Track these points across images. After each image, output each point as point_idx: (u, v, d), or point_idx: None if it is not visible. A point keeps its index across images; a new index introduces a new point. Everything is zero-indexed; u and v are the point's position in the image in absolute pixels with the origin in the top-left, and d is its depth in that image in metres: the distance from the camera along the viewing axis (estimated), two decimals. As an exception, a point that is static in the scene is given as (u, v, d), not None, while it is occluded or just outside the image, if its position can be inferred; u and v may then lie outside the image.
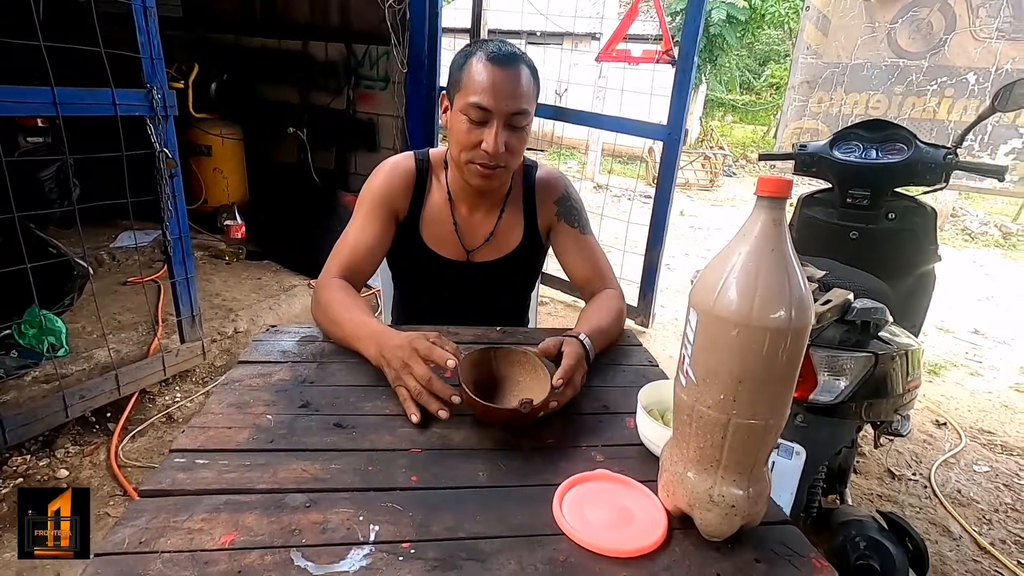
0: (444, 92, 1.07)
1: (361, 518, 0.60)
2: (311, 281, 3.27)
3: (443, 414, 0.76)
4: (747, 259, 0.52)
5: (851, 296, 1.06)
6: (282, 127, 3.75)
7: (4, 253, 2.02)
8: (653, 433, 0.73)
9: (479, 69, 0.96)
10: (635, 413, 0.80)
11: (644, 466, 0.72)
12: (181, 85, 3.46)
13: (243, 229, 3.61)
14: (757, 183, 0.52)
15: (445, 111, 1.06)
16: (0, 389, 1.88)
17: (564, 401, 0.81)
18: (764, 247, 0.51)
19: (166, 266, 2.24)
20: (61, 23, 1.97)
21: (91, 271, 2.50)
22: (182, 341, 2.28)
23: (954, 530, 1.84)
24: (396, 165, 1.11)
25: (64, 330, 2.21)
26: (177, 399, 2.17)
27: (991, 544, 1.77)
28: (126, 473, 1.77)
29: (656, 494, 0.65)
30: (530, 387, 0.82)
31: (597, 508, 0.63)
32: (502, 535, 0.59)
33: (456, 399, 0.76)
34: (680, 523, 0.62)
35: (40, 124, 3.26)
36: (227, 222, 3.59)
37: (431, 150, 1.16)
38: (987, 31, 2.10)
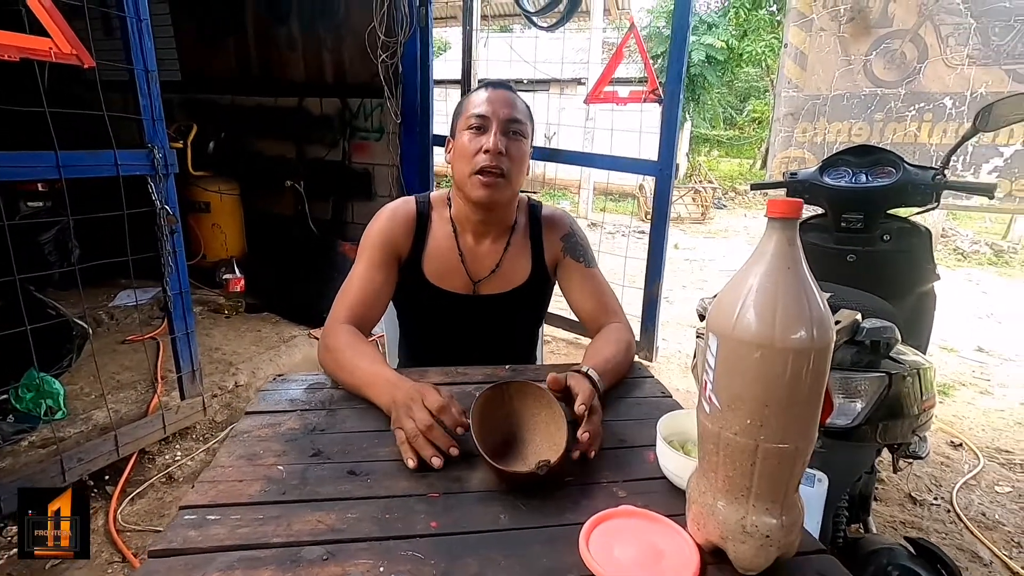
0: (447, 138, 1.14)
1: (382, 569, 0.57)
2: (311, 331, 3.25)
3: (436, 462, 0.74)
4: (764, 280, 0.52)
5: (859, 316, 1.06)
6: (279, 181, 3.81)
7: (3, 317, 2.01)
8: (675, 465, 0.71)
9: (477, 93, 1.09)
10: (654, 446, 0.78)
11: (669, 500, 0.70)
12: (180, 145, 3.54)
13: (242, 282, 3.61)
14: (767, 206, 0.53)
15: (450, 151, 1.11)
16: (-4, 456, 1.83)
17: (595, 445, 0.79)
18: (780, 266, 0.51)
19: (166, 322, 2.23)
20: (61, 89, 2.02)
21: (90, 331, 2.48)
22: (182, 397, 2.25)
23: (983, 555, 1.77)
24: (396, 208, 1.13)
25: (62, 392, 2.17)
26: (177, 458, 2.12)
27: (1023, 569, 1.71)
28: (125, 538, 1.70)
29: (684, 528, 0.63)
30: (546, 425, 0.81)
31: (625, 546, 0.61)
32: (530, 580, 0.57)
33: (455, 451, 0.75)
34: (713, 557, 0.60)
35: (40, 189, 3.32)
36: (226, 276, 3.59)
37: (431, 192, 1.18)
38: (958, 58, 2.19)
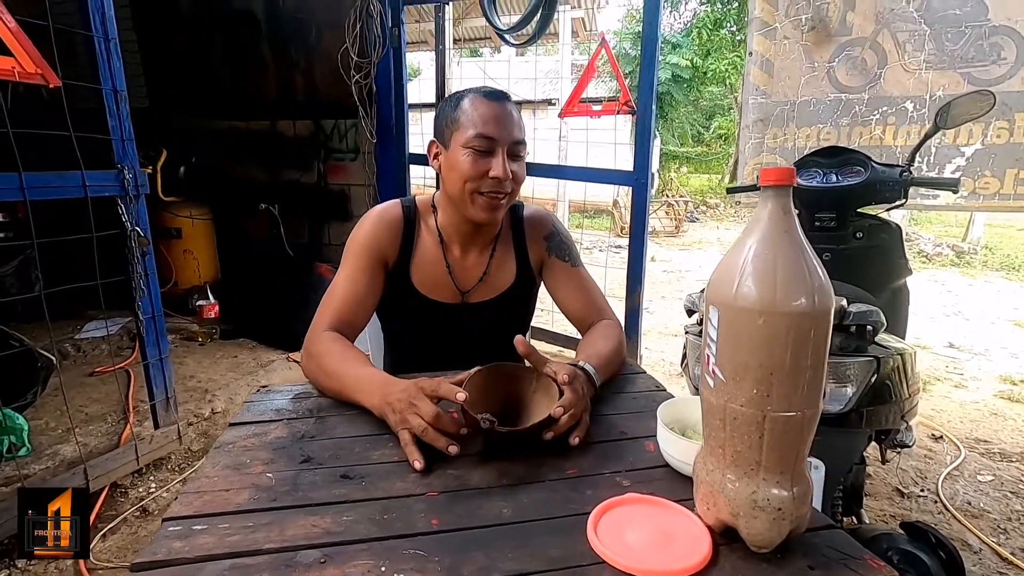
0: (432, 141, 1.09)
1: (383, 568, 0.55)
2: (290, 355, 3.17)
3: (453, 450, 0.73)
4: (761, 246, 0.52)
5: (844, 302, 1.07)
6: (253, 204, 3.75)
7: (-38, 349, 1.91)
8: (677, 449, 0.70)
9: (478, 105, 1.00)
10: (653, 436, 0.77)
11: (673, 486, 0.69)
12: (149, 170, 3.46)
13: (216, 308, 3.53)
14: (760, 175, 0.53)
15: (436, 157, 1.07)
16: (-46, 496, 1.72)
17: (572, 422, 0.78)
18: (776, 232, 0.51)
19: (138, 349, 2.15)
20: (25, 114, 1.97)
21: (56, 363, 2.38)
22: (156, 427, 2.16)
23: (972, 543, 1.79)
24: (383, 213, 1.10)
25: (26, 428, 2.07)
26: (152, 490, 2.02)
27: (1012, 554, 1.73)
28: (97, 576, 1.61)
29: (692, 512, 0.62)
30: (539, 401, 0.81)
31: (635, 532, 0.59)
32: (540, 570, 0.55)
33: (454, 449, 0.73)
34: (724, 538, 0.59)
35: (1, 219, 3.21)
36: (199, 302, 3.50)
37: (416, 197, 1.16)
38: (915, 63, 2.29)
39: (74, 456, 1.96)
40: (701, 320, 1.26)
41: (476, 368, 0.81)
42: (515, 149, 1.01)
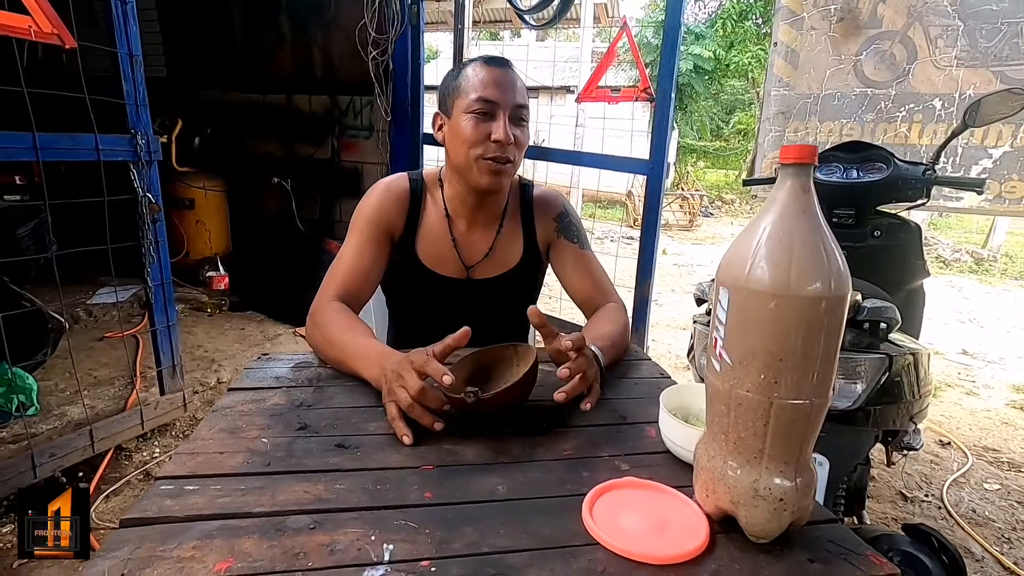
0: (436, 113, 1.07)
1: (373, 537, 0.54)
2: (296, 329, 3.19)
3: (438, 426, 0.72)
4: (778, 226, 0.49)
5: (859, 296, 1.05)
6: (266, 178, 3.75)
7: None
8: (679, 435, 0.68)
9: (478, 71, 1.00)
10: (655, 422, 0.76)
11: (673, 472, 0.68)
12: (164, 140, 3.48)
13: (226, 280, 3.55)
14: (781, 152, 0.51)
15: (440, 128, 1.06)
16: (-38, 451, 1.75)
17: (583, 387, 0.79)
18: (794, 211, 0.49)
19: (147, 315, 2.16)
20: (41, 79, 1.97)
21: (67, 325, 2.40)
22: (162, 393, 2.18)
23: (975, 551, 1.77)
24: (390, 185, 1.09)
25: (35, 388, 2.09)
26: (156, 454, 2.05)
27: (1015, 563, 1.71)
28: (99, 536, 1.63)
29: (691, 499, 0.60)
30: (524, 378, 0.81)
31: (631, 515, 0.58)
32: (530, 548, 0.53)
33: (439, 426, 0.73)
34: (722, 527, 0.57)
35: (18, 182, 3.24)
36: (210, 273, 3.52)
37: (424, 170, 1.15)
38: (946, 60, 2.22)
39: (81, 418, 1.99)
40: (711, 310, 1.24)
41: (460, 332, 0.77)
42: (517, 113, 1.00)
